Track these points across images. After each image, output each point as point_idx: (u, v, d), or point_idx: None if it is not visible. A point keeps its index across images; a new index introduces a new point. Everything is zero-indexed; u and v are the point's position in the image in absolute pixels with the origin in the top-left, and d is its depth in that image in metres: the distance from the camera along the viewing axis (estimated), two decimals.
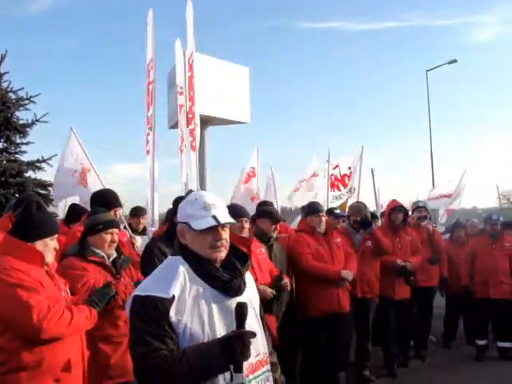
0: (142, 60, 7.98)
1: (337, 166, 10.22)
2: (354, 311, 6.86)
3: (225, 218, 2.55)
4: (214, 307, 2.49)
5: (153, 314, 2.38)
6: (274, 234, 5.91)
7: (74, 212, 6.14)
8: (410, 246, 7.67)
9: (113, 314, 3.95)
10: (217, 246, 2.55)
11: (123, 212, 5.99)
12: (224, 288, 2.52)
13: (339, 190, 10.11)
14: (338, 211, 7.92)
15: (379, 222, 9.00)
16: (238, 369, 2.35)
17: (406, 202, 9.36)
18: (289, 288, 5.39)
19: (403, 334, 7.72)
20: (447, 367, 8.16)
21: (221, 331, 2.46)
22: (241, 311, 2.40)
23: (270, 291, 5.09)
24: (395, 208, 7.71)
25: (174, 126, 8.41)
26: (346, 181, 10.01)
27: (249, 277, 2.78)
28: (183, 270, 2.50)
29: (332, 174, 10.29)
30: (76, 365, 3.41)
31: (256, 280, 4.72)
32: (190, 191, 5.27)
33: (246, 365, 2.44)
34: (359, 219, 7.10)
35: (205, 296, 2.48)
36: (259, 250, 5.39)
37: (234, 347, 2.32)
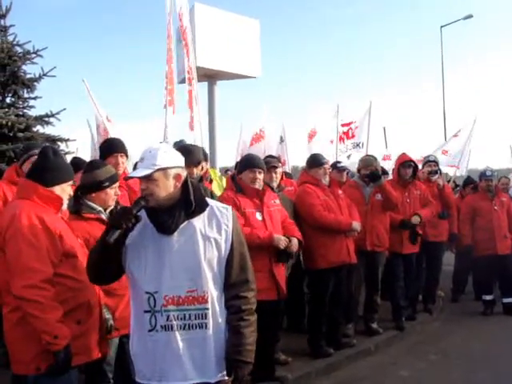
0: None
1: (350, 123, 10.10)
2: (364, 264, 6.88)
3: (135, 172, 2.91)
4: (150, 240, 2.82)
5: None
6: (274, 184, 5.88)
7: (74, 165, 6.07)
8: (419, 200, 7.61)
9: None
10: (139, 197, 2.86)
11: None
12: (156, 225, 2.81)
13: (343, 143, 10.01)
14: (341, 164, 7.85)
15: (390, 178, 8.93)
16: (111, 231, 2.68)
17: (418, 157, 9.20)
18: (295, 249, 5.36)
19: (411, 287, 7.75)
20: (454, 321, 8.26)
21: (150, 259, 2.80)
22: (136, 201, 2.79)
23: (283, 239, 5.08)
24: (404, 163, 7.63)
25: (182, 81, 8.26)
26: (350, 133, 9.89)
27: (220, 217, 2.92)
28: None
29: (344, 130, 10.17)
30: (94, 308, 3.46)
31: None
32: (181, 141, 5.25)
33: (166, 295, 2.77)
34: (368, 172, 7.03)
35: (145, 229, 2.83)
36: (273, 202, 5.34)
37: (117, 213, 2.76)
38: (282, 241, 5.07)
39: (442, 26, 27.25)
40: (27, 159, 4.97)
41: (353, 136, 10.00)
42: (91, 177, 3.98)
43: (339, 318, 6.50)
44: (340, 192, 6.54)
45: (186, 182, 2.88)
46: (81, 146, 10.24)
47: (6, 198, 4.92)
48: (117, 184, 4.09)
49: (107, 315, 3.77)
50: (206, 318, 2.82)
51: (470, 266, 9.36)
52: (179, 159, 2.92)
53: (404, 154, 7.84)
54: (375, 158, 7.43)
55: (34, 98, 9.10)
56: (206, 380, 2.84)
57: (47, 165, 3.44)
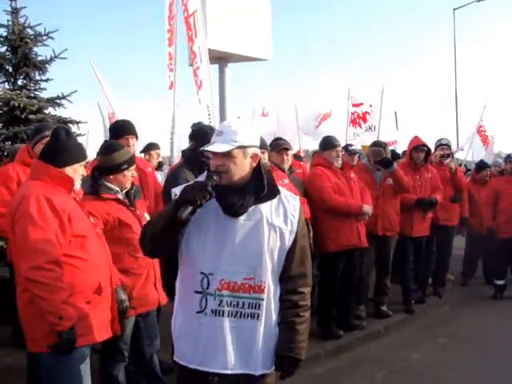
0: None
1: (361, 104, 10.06)
2: (375, 248, 6.90)
3: (213, 147, 2.66)
4: (212, 220, 2.68)
5: (169, 200, 2.78)
6: (286, 166, 5.89)
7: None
8: (430, 183, 7.60)
9: (132, 246, 3.98)
10: (211, 171, 2.68)
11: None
12: (223, 205, 2.67)
13: (360, 128, 9.99)
14: (353, 147, 7.84)
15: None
16: (183, 207, 2.49)
17: (429, 140, 9.16)
18: None
19: (421, 270, 7.78)
20: (463, 304, 8.29)
21: (211, 239, 2.67)
22: (208, 173, 2.65)
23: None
24: (418, 147, 7.62)
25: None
26: (367, 117, 9.87)
27: (288, 206, 2.81)
28: (197, 180, 2.75)
29: (355, 112, 10.13)
30: (105, 288, 3.46)
31: None
32: (199, 123, 5.24)
33: (222, 279, 2.65)
34: (380, 159, 7.02)
35: (209, 207, 2.64)
36: (281, 181, 5.34)
37: (189, 189, 2.54)
38: None
39: (454, 9, 27.04)
40: (39, 140, 4.98)
41: (368, 120, 9.96)
42: (109, 159, 4.00)
43: (350, 300, 6.55)
44: (353, 175, 6.53)
45: (258, 163, 2.77)
46: (92, 129, 10.28)
47: (20, 179, 4.96)
48: (134, 166, 4.12)
49: (123, 296, 3.79)
50: (259, 309, 2.71)
51: (481, 250, 9.38)
52: (257, 138, 2.80)
53: (417, 137, 7.79)
54: (384, 146, 7.39)
55: (46, 80, 9.12)
56: (249, 372, 2.74)
57: (58, 145, 3.44)
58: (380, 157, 7.05)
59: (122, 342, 4.04)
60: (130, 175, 4.06)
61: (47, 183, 3.33)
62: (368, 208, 6.27)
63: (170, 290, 4.32)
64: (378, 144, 7.47)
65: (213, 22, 8.53)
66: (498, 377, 5.46)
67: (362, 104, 10.08)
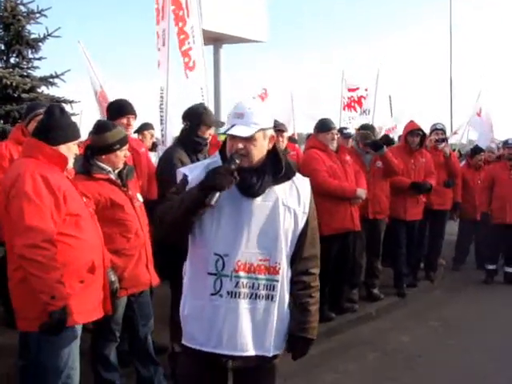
0: None
1: (357, 89, 10.02)
2: (366, 232, 6.90)
3: (236, 130, 2.58)
4: (227, 200, 2.60)
5: (179, 183, 2.75)
6: (281, 148, 5.87)
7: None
8: (424, 168, 7.60)
9: (124, 226, 3.97)
10: (232, 153, 2.60)
11: None
12: (240, 186, 2.61)
13: (356, 111, 9.95)
14: (348, 130, 7.82)
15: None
16: (210, 194, 2.46)
17: (424, 125, 9.15)
18: None
19: (414, 254, 7.81)
20: (455, 289, 8.35)
21: (226, 220, 2.62)
22: (232, 156, 2.58)
23: None
24: (413, 131, 7.60)
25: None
26: (362, 101, 9.84)
27: (300, 187, 2.80)
28: (208, 162, 2.76)
29: (351, 96, 10.09)
30: (98, 267, 3.45)
31: None
32: (201, 104, 5.20)
33: (239, 261, 2.62)
34: (370, 142, 7.00)
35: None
36: None
37: (214, 174, 2.48)
38: None
39: None
40: (33, 118, 4.93)
41: (363, 103, 9.93)
42: (102, 139, 3.97)
43: (343, 283, 6.56)
44: (348, 158, 6.52)
45: (274, 144, 2.76)
46: (86, 108, 10.19)
47: (12, 157, 4.90)
48: (127, 146, 4.10)
49: (113, 278, 3.80)
50: (274, 290, 2.70)
51: (474, 235, 9.42)
52: (272, 119, 2.79)
53: (412, 121, 7.78)
54: (372, 129, 7.38)
55: (39, 59, 8.99)
56: (263, 353, 2.74)
57: (53, 123, 3.40)
58: (368, 140, 7.04)
59: (114, 322, 4.04)
60: (122, 155, 4.03)
61: (41, 161, 3.29)
62: (362, 192, 6.27)
63: (163, 272, 4.34)
64: (365, 127, 7.47)
65: (207, 2, 8.42)
66: (488, 361, 5.49)
67: (358, 89, 10.05)
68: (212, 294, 2.64)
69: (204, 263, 2.66)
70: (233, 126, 2.60)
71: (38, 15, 8.85)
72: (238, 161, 2.54)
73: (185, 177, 2.71)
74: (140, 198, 4.19)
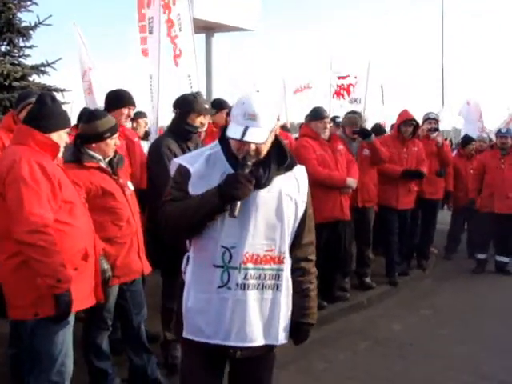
0: None
1: (347, 76, 9.95)
2: (355, 220, 6.88)
3: (251, 136, 2.51)
4: None
5: (178, 176, 2.70)
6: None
7: None
8: (416, 156, 7.61)
9: (115, 214, 3.96)
10: (243, 153, 2.58)
11: None
12: None
13: (344, 99, 9.88)
14: (340, 119, 7.81)
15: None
16: (232, 204, 2.48)
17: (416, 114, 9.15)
18: None
19: (405, 243, 7.85)
20: (446, 278, 8.37)
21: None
22: (242, 161, 2.54)
23: None
24: (407, 121, 7.60)
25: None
26: (351, 89, 9.75)
27: (298, 176, 2.82)
28: (209, 154, 2.69)
29: (341, 84, 10.01)
30: (91, 255, 3.47)
31: None
32: (197, 93, 5.17)
33: (246, 252, 2.61)
34: (358, 129, 6.99)
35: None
36: None
37: (227, 182, 2.48)
38: None
39: None
40: (25, 107, 4.88)
41: (352, 92, 9.86)
42: (92, 127, 3.95)
43: (334, 271, 6.58)
44: (341, 147, 6.51)
45: (276, 135, 2.75)
46: (77, 97, 10.12)
47: (4, 145, 4.86)
48: (117, 134, 4.08)
49: (105, 266, 3.79)
50: (279, 280, 2.72)
51: (465, 224, 9.46)
52: (278, 112, 2.79)
53: (406, 111, 7.76)
54: (360, 116, 7.39)
55: (30, 47, 8.92)
56: (271, 342, 2.76)
57: (45, 111, 3.39)
58: (355, 124, 7.03)
59: (106, 310, 4.04)
60: (112, 143, 4.02)
61: (32, 148, 3.28)
62: (352, 181, 6.27)
63: (154, 261, 4.34)
64: (353, 112, 7.47)
65: None
66: (480, 349, 5.53)
67: (348, 76, 9.96)
68: (219, 287, 2.62)
69: (210, 256, 2.64)
70: (246, 128, 2.50)
71: (29, 3, 8.78)
72: (250, 163, 2.54)
73: (184, 169, 2.65)
74: (131, 186, 4.18)
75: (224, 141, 2.69)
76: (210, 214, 2.54)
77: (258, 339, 2.72)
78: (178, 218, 2.60)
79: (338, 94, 9.78)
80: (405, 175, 7.40)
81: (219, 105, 6.40)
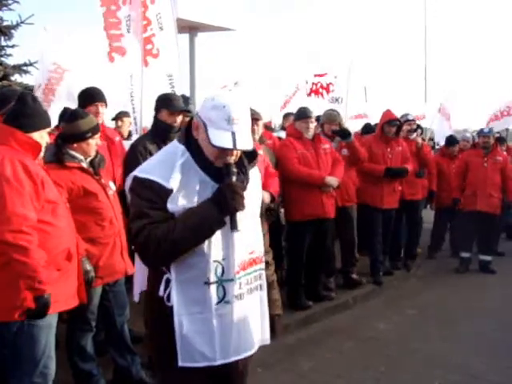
0: None
1: (325, 74, 9.87)
2: (336, 220, 6.82)
3: (243, 142, 2.40)
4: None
5: (151, 194, 2.42)
6: (256, 137, 5.85)
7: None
8: (400, 155, 7.64)
9: (98, 215, 3.93)
10: (223, 158, 2.47)
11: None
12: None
13: (323, 98, 9.80)
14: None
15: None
16: (233, 217, 2.40)
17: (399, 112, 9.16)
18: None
19: (389, 243, 7.90)
20: (430, 277, 8.41)
21: None
22: (228, 169, 2.43)
23: (266, 195, 5.04)
24: (390, 121, 7.62)
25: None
26: (331, 88, 9.66)
27: (255, 174, 2.73)
28: (182, 163, 2.46)
29: (318, 82, 9.91)
30: (74, 255, 3.44)
31: None
32: (173, 92, 5.13)
33: (237, 261, 2.53)
34: (338, 129, 6.98)
35: (203, 188, 2.47)
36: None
37: (224, 195, 2.37)
38: (265, 195, 4.99)
39: None
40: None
41: (331, 91, 9.75)
42: (74, 127, 3.93)
43: (319, 271, 6.59)
44: (326, 146, 6.50)
45: None
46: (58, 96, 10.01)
47: None
48: (98, 134, 4.06)
49: (88, 267, 3.77)
50: (261, 279, 2.68)
51: (449, 223, 9.50)
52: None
53: (389, 111, 7.78)
54: (338, 113, 7.35)
55: (12, 47, 8.89)
56: (265, 342, 2.74)
57: (26, 111, 3.35)
58: (334, 121, 7.01)
59: (89, 311, 4.02)
60: (94, 143, 4.00)
61: (14, 148, 3.24)
62: (331, 180, 6.25)
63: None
64: (332, 110, 7.46)
65: None
66: (466, 348, 5.55)
67: (326, 74, 9.87)
68: (217, 303, 2.50)
69: (199, 273, 2.48)
70: (234, 135, 2.38)
71: (10, 2, 8.73)
72: (236, 170, 2.45)
73: (159, 186, 2.41)
74: (113, 186, 4.17)
75: (191, 146, 2.53)
76: (212, 231, 2.41)
77: (255, 344, 2.69)
78: (175, 242, 2.38)
79: (316, 92, 9.65)
80: (388, 174, 7.41)
81: None
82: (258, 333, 2.70)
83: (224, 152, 2.44)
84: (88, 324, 4.08)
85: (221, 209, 2.37)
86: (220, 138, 2.37)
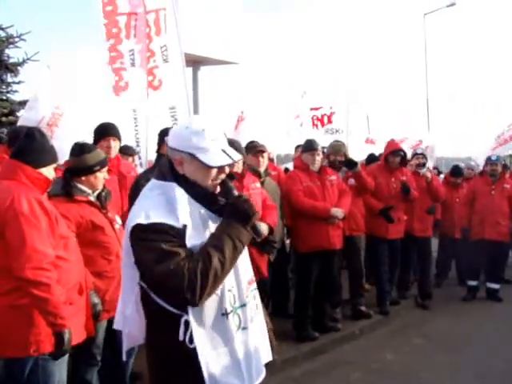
0: None
1: (320, 108, 9.92)
2: (344, 249, 6.81)
3: (235, 154, 2.46)
4: (211, 227, 2.45)
5: (167, 236, 2.29)
6: (262, 169, 5.89)
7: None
8: None
9: (104, 248, 3.95)
10: (219, 179, 2.49)
11: None
12: (218, 209, 2.48)
13: (317, 129, 9.83)
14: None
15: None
16: (254, 225, 2.45)
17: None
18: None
19: (396, 273, 7.88)
20: (437, 306, 8.30)
21: None
22: (227, 185, 2.48)
23: (265, 227, 5.02)
24: (394, 151, 7.65)
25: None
26: (325, 120, 9.69)
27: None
28: (180, 199, 2.38)
29: (314, 115, 9.95)
30: (84, 289, 3.47)
31: None
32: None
33: (244, 285, 2.52)
34: (344, 160, 7.01)
35: (207, 219, 2.46)
36: (253, 185, 5.31)
37: (237, 207, 2.41)
38: (262, 227, 4.93)
39: (425, 14, 27.29)
40: None
41: (330, 122, 9.78)
42: (81, 161, 3.96)
43: (325, 302, 6.56)
44: (333, 178, 6.50)
45: None
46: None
47: None
48: (106, 168, 4.10)
49: (96, 300, 3.77)
50: (256, 299, 2.65)
51: (454, 251, 9.45)
52: None
53: (393, 141, 7.82)
54: (343, 144, 7.40)
55: (18, 83, 9.03)
56: (269, 359, 2.70)
57: (35, 146, 3.40)
58: (339, 152, 7.05)
59: (95, 346, 4.01)
60: (101, 177, 4.03)
61: (23, 183, 3.27)
62: (337, 211, 6.23)
63: None
64: (337, 141, 7.50)
65: (184, 25, 8.43)
66: (474, 377, 5.50)
67: (321, 107, 9.92)
68: (236, 331, 2.47)
69: (217, 306, 2.42)
70: (225, 150, 2.43)
71: (17, 39, 8.88)
72: (232, 183, 2.50)
73: (173, 228, 2.30)
74: (119, 220, 4.18)
75: (180, 183, 2.44)
76: (243, 244, 2.39)
77: (264, 362, 2.67)
78: (217, 269, 2.29)
79: (314, 125, 9.71)
80: (381, 214, 7.39)
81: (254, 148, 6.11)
82: (264, 351, 2.69)
83: (219, 172, 2.47)
84: (94, 358, 4.06)
85: (239, 221, 2.39)
86: (215, 158, 2.40)
